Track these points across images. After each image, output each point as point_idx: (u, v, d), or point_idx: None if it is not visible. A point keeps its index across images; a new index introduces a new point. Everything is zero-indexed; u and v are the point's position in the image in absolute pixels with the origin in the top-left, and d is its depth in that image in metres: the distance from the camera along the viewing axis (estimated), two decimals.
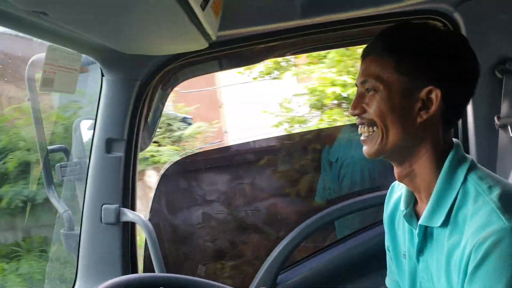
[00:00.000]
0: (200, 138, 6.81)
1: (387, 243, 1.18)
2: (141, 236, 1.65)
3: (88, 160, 1.61)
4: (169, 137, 6.20)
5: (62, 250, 1.66)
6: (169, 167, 2.12)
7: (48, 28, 1.09)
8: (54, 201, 1.66)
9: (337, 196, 2.23)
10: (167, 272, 1.53)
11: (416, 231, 1.01)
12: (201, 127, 6.98)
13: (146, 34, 1.17)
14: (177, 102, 6.96)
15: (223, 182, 2.04)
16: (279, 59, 5.33)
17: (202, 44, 1.29)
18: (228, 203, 2.04)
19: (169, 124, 6.28)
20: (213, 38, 1.25)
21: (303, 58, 5.50)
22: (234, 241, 1.95)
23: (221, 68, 1.65)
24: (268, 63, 5.50)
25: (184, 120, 6.72)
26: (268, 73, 5.69)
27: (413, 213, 1.05)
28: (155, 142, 5.89)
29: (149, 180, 5.07)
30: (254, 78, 5.87)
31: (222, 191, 2.03)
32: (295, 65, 5.72)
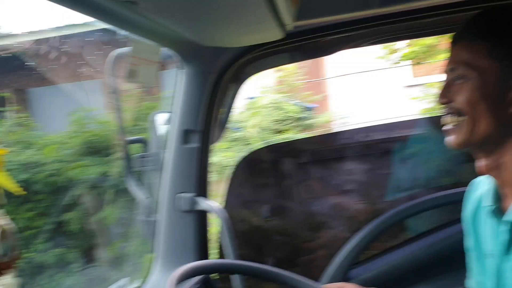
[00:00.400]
0: (328, 126, 6.72)
1: (468, 242, 1.12)
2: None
3: (163, 151, 1.67)
4: (297, 126, 6.15)
5: (140, 236, 1.73)
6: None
7: (134, 21, 1.14)
8: (133, 189, 1.73)
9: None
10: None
11: (504, 228, 0.96)
12: (329, 115, 6.92)
13: (224, 24, 1.19)
14: (304, 91, 6.88)
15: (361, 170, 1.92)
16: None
17: (278, 35, 1.30)
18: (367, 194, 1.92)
19: (295, 114, 6.23)
20: (290, 28, 1.25)
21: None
22: None
23: (294, 60, 1.65)
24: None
25: (308, 108, 6.65)
26: (413, 58, 5.50)
27: (499, 209, 1.00)
28: (282, 131, 5.93)
29: None
30: (396, 63, 5.75)
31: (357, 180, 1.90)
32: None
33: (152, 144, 1.78)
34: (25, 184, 5.22)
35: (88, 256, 5.45)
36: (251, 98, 6.44)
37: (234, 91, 1.64)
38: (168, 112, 1.69)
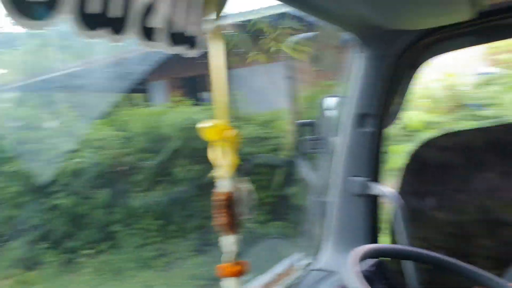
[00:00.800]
0: None
1: None
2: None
3: (333, 135, 1.70)
4: None
5: (308, 216, 1.80)
6: None
7: (320, 6, 1.18)
8: (304, 170, 1.81)
9: None
10: None
11: None
12: None
13: (413, 6, 1.17)
14: None
15: None
16: None
17: (468, 15, 1.23)
18: None
19: None
20: (483, 7, 1.18)
21: None
22: None
23: (480, 42, 1.54)
24: None
25: None
26: None
27: None
28: None
29: None
30: None
31: None
32: None
33: (322, 128, 1.83)
34: (249, 157, 5.94)
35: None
36: (485, 73, 6.02)
37: (411, 75, 1.59)
38: (340, 96, 1.71)
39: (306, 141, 1.81)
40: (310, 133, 1.83)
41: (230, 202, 0.83)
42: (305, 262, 1.64)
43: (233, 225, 0.84)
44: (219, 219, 0.83)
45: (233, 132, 0.85)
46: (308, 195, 1.80)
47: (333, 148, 1.69)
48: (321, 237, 1.70)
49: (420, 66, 1.60)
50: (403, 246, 1.32)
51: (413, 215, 1.60)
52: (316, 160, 1.84)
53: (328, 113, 1.83)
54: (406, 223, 1.48)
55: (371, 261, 1.48)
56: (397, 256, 1.28)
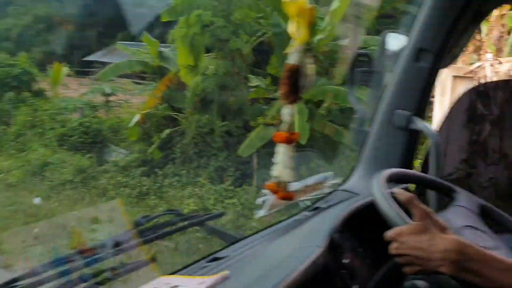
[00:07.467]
0: None
1: None
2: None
3: (387, 69, 1.74)
4: None
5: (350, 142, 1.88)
6: None
7: None
8: (352, 100, 1.87)
9: None
10: None
11: None
12: None
13: None
14: None
15: None
16: None
17: None
18: None
19: None
20: None
21: None
22: None
23: None
24: None
25: None
26: None
27: None
28: None
29: None
30: None
31: None
32: None
33: (378, 61, 1.86)
34: None
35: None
36: None
37: (479, 17, 1.59)
38: (402, 33, 1.74)
39: (360, 72, 1.85)
40: (366, 64, 1.87)
41: (295, 74, 0.92)
42: (335, 181, 1.74)
43: (294, 96, 0.93)
44: (283, 87, 0.92)
45: (309, 6, 0.92)
46: (353, 123, 1.87)
47: (385, 82, 1.74)
48: (357, 163, 1.79)
49: (490, 10, 1.59)
50: (427, 175, 1.39)
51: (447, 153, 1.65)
52: (367, 91, 1.89)
53: (387, 47, 1.86)
54: (441, 161, 1.55)
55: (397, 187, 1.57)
56: (420, 182, 1.35)
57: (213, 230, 1.29)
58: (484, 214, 1.29)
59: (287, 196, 1.01)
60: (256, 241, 1.28)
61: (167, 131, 9.66)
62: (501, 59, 5.62)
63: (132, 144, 10.50)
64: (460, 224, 1.15)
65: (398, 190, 1.03)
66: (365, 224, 1.33)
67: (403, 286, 1.09)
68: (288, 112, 0.96)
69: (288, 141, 0.96)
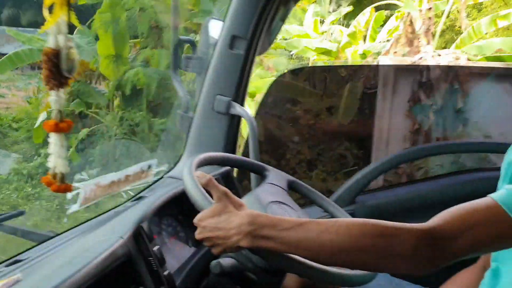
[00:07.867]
0: None
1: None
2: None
3: (210, 55, 1.77)
4: None
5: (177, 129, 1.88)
6: None
7: None
8: (177, 85, 1.86)
9: None
10: None
11: None
12: None
13: None
14: None
15: None
16: None
17: None
18: None
19: None
20: None
21: None
22: None
23: None
24: None
25: None
26: None
27: None
28: None
29: None
30: None
31: None
32: None
33: (201, 47, 1.88)
34: None
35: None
36: None
37: (288, 6, 1.69)
38: (222, 20, 1.77)
39: (184, 58, 1.85)
40: (190, 51, 1.88)
41: (54, 58, 0.87)
42: (161, 168, 1.73)
43: (57, 81, 0.89)
44: (44, 73, 0.87)
45: None
46: (177, 109, 1.88)
47: (206, 68, 1.77)
48: (183, 149, 1.80)
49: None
50: (240, 157, 1.46)
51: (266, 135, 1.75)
52: (190, 77, 1.91)
53: (209, 34, 1.89)
54: (256, 142, 1.63)
55: (220, 171, 1.62)
56: (233, 164, 1.42)
57: (14, 230, 1.18)
58: (292, 189, 1.39)
59: (63, 188, 0.96)
60: (66, 238, 1.20)
61: (85, 130, 8.51)
62: (440, 51, 6.16)
63: (35, 146, 8.99)
64: (269, 200, 1.23)
65: (199, 173, 1.05)
66: (185, 208, 1.34)
67: (210, 266, 1.12)
68: (54, 99, 0.91)
69: (57, 129, 0.91)
